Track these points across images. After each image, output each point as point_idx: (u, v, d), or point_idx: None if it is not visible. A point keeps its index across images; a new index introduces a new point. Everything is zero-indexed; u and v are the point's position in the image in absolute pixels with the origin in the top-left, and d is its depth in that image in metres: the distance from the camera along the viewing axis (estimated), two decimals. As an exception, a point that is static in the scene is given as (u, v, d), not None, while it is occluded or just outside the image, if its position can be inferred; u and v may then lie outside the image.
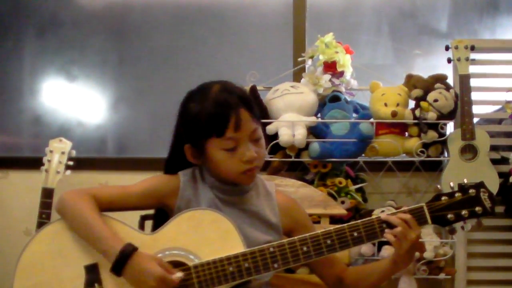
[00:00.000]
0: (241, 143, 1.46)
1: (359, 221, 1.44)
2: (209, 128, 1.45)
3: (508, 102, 2.50)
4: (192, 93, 1.54)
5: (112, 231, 1.41)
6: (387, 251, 2.27)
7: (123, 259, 1.34)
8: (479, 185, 1.45)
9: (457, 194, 1.44)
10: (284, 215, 1.60)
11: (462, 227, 1.49)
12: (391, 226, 1.43)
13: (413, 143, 2.40)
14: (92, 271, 1.41)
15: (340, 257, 1.78)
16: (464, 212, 1.43)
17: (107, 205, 1.48)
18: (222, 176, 1.51)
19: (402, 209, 1.45)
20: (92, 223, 1.41)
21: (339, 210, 1.96)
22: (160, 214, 1.59)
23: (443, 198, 1.44)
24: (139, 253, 1.36)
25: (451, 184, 1.48)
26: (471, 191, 1.44)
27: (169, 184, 1.55)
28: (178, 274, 1.36)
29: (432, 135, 2.39)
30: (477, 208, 1.43)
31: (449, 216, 1.43)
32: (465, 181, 1.46)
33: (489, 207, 1.43)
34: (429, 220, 1.44)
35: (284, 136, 2.33)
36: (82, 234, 1.42)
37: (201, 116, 1.46)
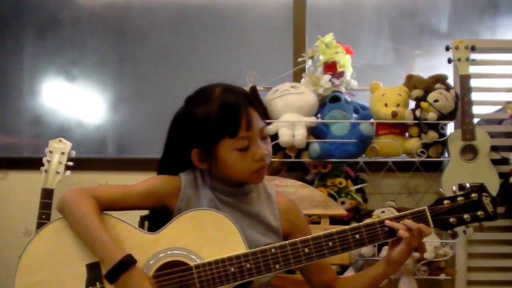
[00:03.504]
0: (252, 142, 1.46)
1: (361, 223, 1.44)
2: (221, 130, 1.44)
3: (508, 102, 2.50)
4: (192, 98, 1.52)
5: (111, 237, 1.40)
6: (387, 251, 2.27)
7: (120, 270, 1.34)
8: (482, 189, 1.45)
9: (459, 198, 1.44)
10: (283, 218, 1.60)
11: (464, 231, 1.49)
12: (393, 230, 1.43)
13: (414, 143, 2.40)
14: (93, 270, 1.40)
15: (341, 258, 1.79)
16: (466, 216, 1.43)
17: (108, 205, 1.47)
18: (232, 177, 1.51)
19: (404, 212, 1.45)
20: (93, 227, 1.40)
21: (339, 210, 1.96)
22: (156, 215, 1.58)
23: (445, 202, 1.44)
24: (136, 267, 1.36)
25: (454, 188, 1.48)
26: (474, 195, 1.44)
27: (170, 184, 1.54)
28: None
29: (432, 135, 2.39)
30: (479, 213, 1.43)
31: (451, 220, 1.43)
32: (468, 185, 1.46)
33: (491, 212, 1.43)
34: (431, 224, 1.44)
35: (284, 137, 2.33)
36: (82, 236, 1.42)
37: (211, 118, 1.44)
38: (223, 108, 1.43)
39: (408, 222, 1.43)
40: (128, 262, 1.35)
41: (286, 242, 1.42)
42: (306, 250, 1.41)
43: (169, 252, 1.42)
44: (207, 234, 1.42)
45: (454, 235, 1.50)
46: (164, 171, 1.58)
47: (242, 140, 1.44)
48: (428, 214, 1.44)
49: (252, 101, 1.48)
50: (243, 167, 1.47)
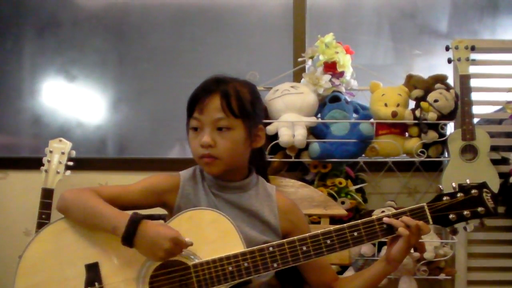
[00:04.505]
0: (203, 127, 1.51)
1: (359, 221, 1.44)
2: (187, 108, 1.54)
3: (508, 102, 2.50)
4: None
5: (118, 210, 1.43)
6: (387, 251, 2.26)
7: (133, 226, 1.36)
8: (482, 185, 1.44)
9: (459, 194, 1.43)
10: (283, 218, 1.60)
11: (465, 228, 1.48)
12: (391, 227, 1.43)
13: (413, 143, 2.40)
14: (92, 270, 1.41)
15: (341, 257, 1.79)
16: (466, 212, 1.42)
17: (107, 201, 1.48)
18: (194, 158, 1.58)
19: (403, 209, 1.45)
20: (98, 205, 1.43)
21: (339, 210, 1.96)
22: None
23: (445, 198, 1.44)
24: (147, 220, 1.39)
25: (453, 184, 1.47)
26: (474, 191, 1.43)
27: (169, 182, 1.56)
28: (188, 239, 1.38)
29: (432, 135, 2.39)
30: (479, 209, 1.42)
31: (451, 216, 1.42)
32: (468, 181, 1.45)
33: (491, 208, 1.42)
34: (430, 220, 1.43)
35: (284, 137, 2.32)
36: (89, 218, 1.43)
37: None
38: (195, 90, 1.54)
39: (406, 219, 1.42)
40: (137, 218, 1.37)
41: (284, 240, 1.42)
42: (304, 248, 1.41)
43: (167, 252, 1.42)
44: (204, 234, 1.43)
45: (454, 232, 1.49)
46: None
47: (194, 120, 1.52)
48: (427, 210, 1.44)
49: (226, 93, 1.50)
50: (193, 149, 1.54)
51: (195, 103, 1.51)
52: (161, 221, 1.43)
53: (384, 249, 2.27)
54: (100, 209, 1.42)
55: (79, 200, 1.45)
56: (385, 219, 1.43)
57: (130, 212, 1.42)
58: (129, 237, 1.36)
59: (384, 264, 1.49)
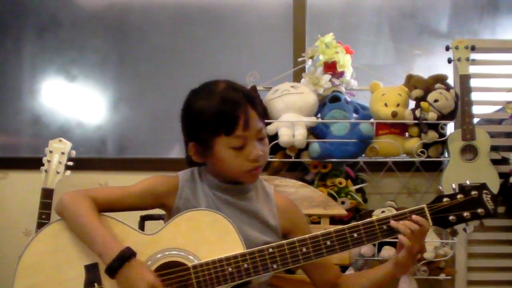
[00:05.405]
0: (249, 141, 1.45)
1: (359, 222, 1.43)
2: (217, 126, 1.43)
3: (508, 102, 2.50)
4: (196, 90, 1.52)
5: (110, 233, 1.41)
6: (387, 251, 2.26)
7: (121, 261, 1.34)
8: (482, 187, 1.43)
9: (459, 196, 1.43)
10: (282, 217, 1.59)
11: (465, 229, 1.47)
12: (392, 228, 1.43)
13: (413, 143, 2.40)
14: (92, 271, 1.41)
15: (341, 258, 1.79)
16: (466, 214, 1.42)
17: (106, 206, 1.48)
18: (226, 174, 1.51)
19: (403, 210, 1.44)
20: (90, 225, 1.41)
21: (339, 210, 1.95)
22: None
23: (445, 199, 1.43)
24: (137, 259, 1.37)
25: (453, 185, 1.47)
26: (473, 192, 1.42)
27: (167, 183, 1.55)
28: None
29: (432, 135, 2.39)
30: (479, 210, 1.42)
31: (451, 217, 1.42)
32: (468, 182, 1.45)
33: (491, 209, 1.41)
34: (430, 222, 1.43)
35: (284, 137, 2.32)
36: (80, 235, 1.43)
37: (208, 113, 1.44)
38: (222, 105, 1.43)
39: (408, 223, 1.42)
40: (128, 254, 1.36)
41: (284, 241, 1.42)
42: (304, 249, 1.41)
43: (166, 253, 1.42)
44: (204, 235, 1.42)
45: (454, 233, 1.48)
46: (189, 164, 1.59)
47: (238, 139, 1.44)
48: (427, 212, 1.43)
49: (253, 100, 1.48)
50: (236, 166, 1.47)
51: (235, 121, 1.42)
52: (147, 264, 1.39)
53: (384, 249, 2.28)
54: (91, 229, 1.40)
55: (74, 211, 1.43)
56: (392, 223, 1.42)
57: (120, 244, 1.39)
58: (114, 270, 1.34)
59: (391, 268, 1.49)
